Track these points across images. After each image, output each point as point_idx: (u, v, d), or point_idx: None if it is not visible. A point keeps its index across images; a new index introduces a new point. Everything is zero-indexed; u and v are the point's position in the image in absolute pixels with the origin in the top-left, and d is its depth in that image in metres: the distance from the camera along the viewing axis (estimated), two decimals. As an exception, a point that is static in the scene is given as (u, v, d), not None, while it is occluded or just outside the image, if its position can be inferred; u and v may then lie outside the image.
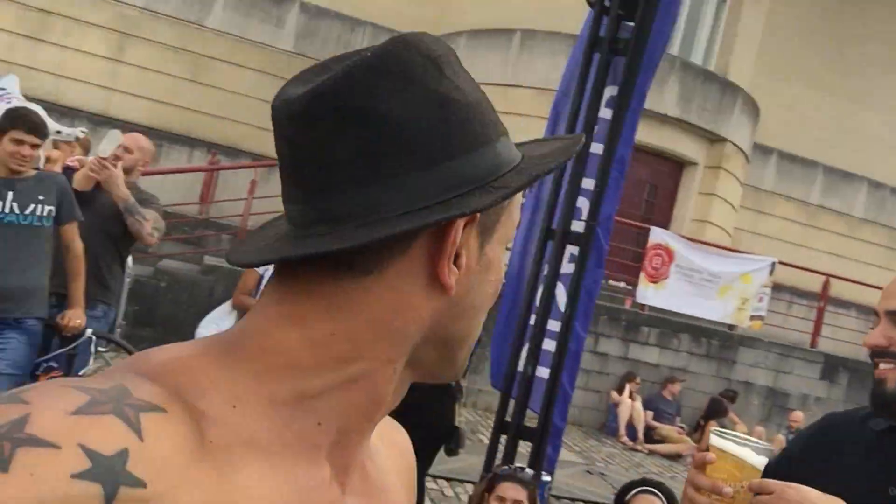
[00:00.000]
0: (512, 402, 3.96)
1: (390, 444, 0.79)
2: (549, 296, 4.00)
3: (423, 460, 4.44)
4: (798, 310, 12.76)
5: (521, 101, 11.97)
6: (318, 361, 0.62)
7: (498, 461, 3.88)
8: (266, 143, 10.39)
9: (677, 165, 13.19)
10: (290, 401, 0.60)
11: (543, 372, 3.97)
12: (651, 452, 8.74)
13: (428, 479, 4.69)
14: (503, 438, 3.93)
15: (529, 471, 3.47)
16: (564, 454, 7.65)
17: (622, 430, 8.98)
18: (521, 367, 3.95)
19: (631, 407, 9.07)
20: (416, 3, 13.26)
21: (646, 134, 12.29)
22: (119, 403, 0.51)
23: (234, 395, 0.58)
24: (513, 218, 0.68)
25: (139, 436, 0.50)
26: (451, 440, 4.32)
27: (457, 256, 0.63)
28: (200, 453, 0.54)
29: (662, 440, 9.03)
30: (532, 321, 3.95)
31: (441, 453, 4.34)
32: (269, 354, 0.61)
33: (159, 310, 7.73)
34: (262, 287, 4.59)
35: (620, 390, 9.26)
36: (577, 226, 4.03)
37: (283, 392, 0.60)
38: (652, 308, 10.17)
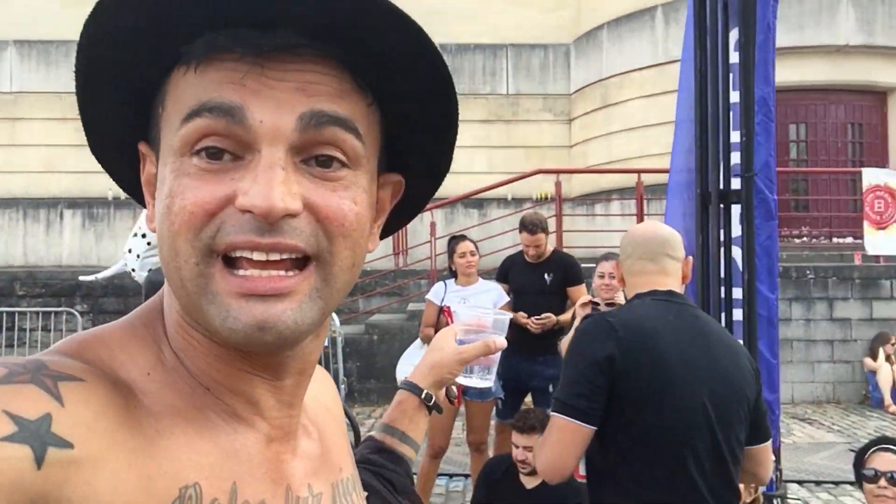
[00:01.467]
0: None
1: (322, 387, 0.79)
2: (728, 262, 3.70)
3: None
4: None
5: (678, 75, 11.37)
6: (169, 321, 0.63)
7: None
8: (442, 186, 10.74)
9: (879, 96, 11.78)
10: (176, 365, 0.61)
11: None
12: (928, 417, 7.63)
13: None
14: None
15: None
16: (822, 435, 6.93)
17: (888, 399, 7.95)
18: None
19: (892, 371, 8.01)
20: (552, 11, 13.25)
21: (830, 71, 11.19)
22: (37, 374, 0.52)
23: (147, 363, 0.59)
24: (167, 120, 0.58)
25: (60, 402, 0.51)
26: None
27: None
28: (125, 419, 0.54)
29: (940, 401, 7.86)
30: (713, 294, 3.66)
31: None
32: (159, 318, 0.63)
33: (377, 361, 8.18)
34: (441, 318, 4.71)
35: (874, 355, 8.24)
36: (736, 183, 3.73)
37: (170, 356, 0.61)
38: (888, 258, 9.02)
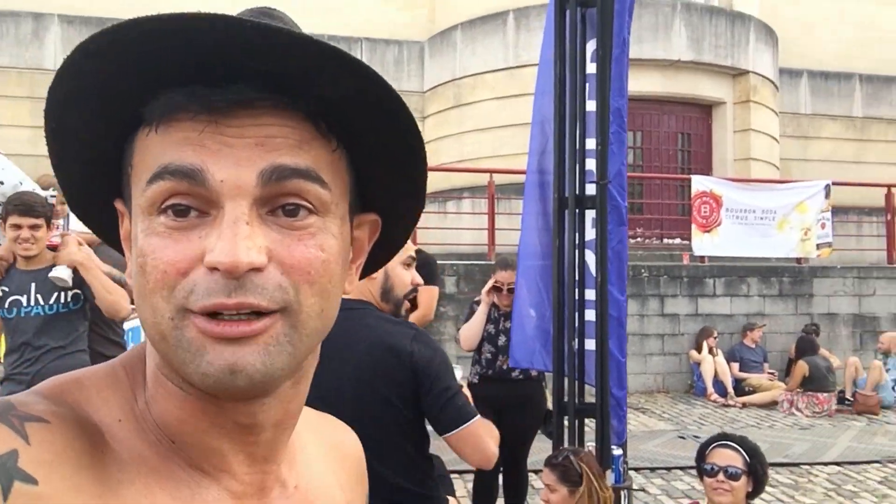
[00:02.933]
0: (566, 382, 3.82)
1: (332, 449, 0.77)
2: (581, 265, 3.87)
3: (526, 449, 4.41)
4: (867, 228, 12.20)
5: (530, 80, 11.81)
6: (147, 372, 0.63)
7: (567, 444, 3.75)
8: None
9: (705, 109, 12.82)
10: (146, 414, 0.61)
11: (591, 344, 3.83)
12: (745, 405, 8.40)
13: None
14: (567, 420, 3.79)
15: (589, 447, 3.36)
16: (654, 423, 7.43)
17: (710, 389, 8.67)
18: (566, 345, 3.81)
19: (713, 363, 8.75)
20: (409, 8, 13.30)
21: (664, 84, 12.01)
22: (5, 414, 0.53)
23: (120, 410, 0.60)
24: (135, 183, 0.57)
25: (26, 440, 0.52)
26: (548, 424, 4.30)
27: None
28: (89, 463, 0.54)
29: (754, 390, 8.68)
30: (567, 295, 3.82)
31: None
32: (140, 366, 0.63)
33: None
34: None
35: (699, 348, 8.96)
36: (591, 189, 3.90)
37: (142, 405, 0.61)
38: (712, 258, 9.85)
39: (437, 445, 2.32)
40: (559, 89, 3.98)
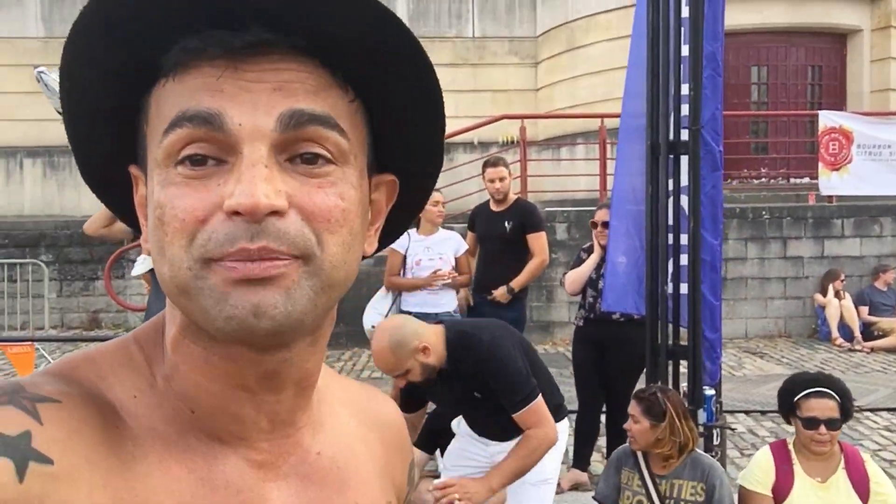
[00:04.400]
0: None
1: (369, 419, 0.76)
2: (677, 210, 3.91)
3: (629, 391, 4.54)
4: None
5: (608, 25, 11.51)
6: (165, 342, 0.63)
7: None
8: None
9: (839, 38, 11.97)
10: (165, 388, 0.61)
11: (685, 288, 3.89)
12: (872, 350, 8.06)
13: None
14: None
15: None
16: (771, 367, 7.32)
17: (835, 333, 8.36)
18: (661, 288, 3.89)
19: (839, 306, 8.41)
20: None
21: (791, 14, 11.31)
22: (14, 396, 0.54)
23: (135, 386, 0.60)
24: (151, 136, 0.57)
25: (39, 420, 0.53)
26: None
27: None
28: (104, 439, 0.55)
29: (884, 334, 8.29)
30: (661, 241, 3.88)
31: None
32: (157, 339, 0.64)
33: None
34: (407, 265, 4.89)
35: (824, 291, 8.63)
36: (685, 135, 3.91)
37: (160, 379, 0.61)
38: (841, 198, 9.36)
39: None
40: (652, 33, 3.98)
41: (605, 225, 4.53)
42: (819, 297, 8.71)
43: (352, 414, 0.74)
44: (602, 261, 4.59)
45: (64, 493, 0.51)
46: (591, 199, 9.92)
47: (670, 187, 3.92)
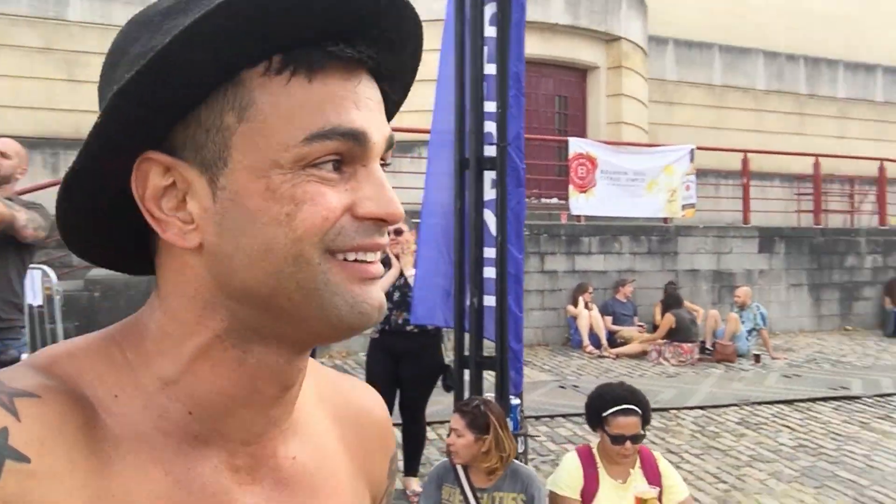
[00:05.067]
0: (467, 336, 3.96)
1: (350, 416, 0.75)
2: (480, 224, 3.98)
3: (421, 399, 4.56)
4: (725, 190, 13.12)
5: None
6: (170, 345, 0.60)
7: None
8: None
9: (580, 73, 13.25)
10: (157, 389, 0.59)
11: (489, 301, 3.98)
12: (618, 356, 8.95)
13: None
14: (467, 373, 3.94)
15: (487, 397, 3.52)
16: (536, 374, 7.79)
17: (586, 341, 9.16)
18: (467, 301, 3.94)
19: (589, 317, 9.23)
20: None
21: (542, 47, 12.27)
22: None
23: (117, 385, 0.58)
24: (263, 134, 0.55)
25: (16, 417, 0.52)
26: (446, 377, 4.54)
27: (184, 203, 0.57)
28: (83, 438, 0.54)
29: (626, 342, 9.25)
30: (468, 254, 3.93)
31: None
32: (141, 341, 0.61)
33: (99, 321, 7.52)
34: None
35: (575, 303, 9.42)
36: (490, 151, 4.00)
37: (150, 381, 0.60)
38: (588, 217, 10.31)
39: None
40: (459, 51, 4.04)
41: (398, 233, 4.53)
42: (571, 308, 9.48)
43: (329, 411, 0.73)
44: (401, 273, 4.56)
45: (42, 491, 0.51)
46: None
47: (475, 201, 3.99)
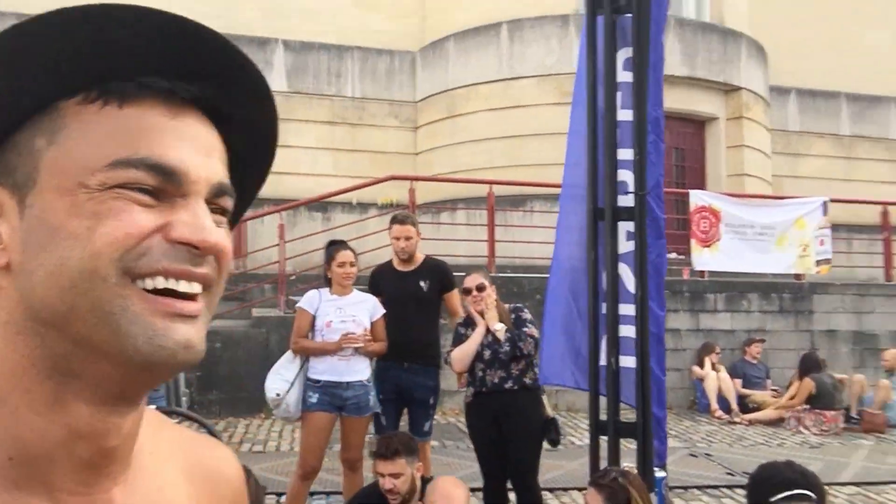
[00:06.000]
0: (602, 399, 3.67)
1: (202, 473, 0.71)
2: (615, 278, 3.73)
3: (530, 460, 4.24)
4: (860, 245, 12.23)
5: (524, 92, 11.77)
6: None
7: (604, 462, 3.59)
8: (283, 185, 10.25)
9: (698, 124, 12.83)
10: None
11: (626, 361, 3.69)
12: (751, 423, 8.28)
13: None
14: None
15: (630, 467, 3.22)
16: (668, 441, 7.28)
17: (714, 405, 8.55)
18: (602, 361, 3.67)
19: (717, 378, 8.64)
20: (398, 18, 13.16)
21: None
22: None
23: None
24: (71, 157, 0.55)
25: None
26: (550, 432, 4.23)
27: None
28: None
29: (758, 407, 8.57)
30: (603, 309, 3.67)
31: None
32: None
33: (220, 371, 7.65)
34: (316, 327, 4.40)
35: (701, 364, 8.85)
36: (625, 200, 3.77)
37: None
38: (712, 273, 9.77)
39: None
40: (591, 100, 3.86)
41: (480, 289, 4.31)
42: (697, 369, 8.92)
43: (179, 468, 0.69)
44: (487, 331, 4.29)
45: None
46: (476, 266, 9.79)
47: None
